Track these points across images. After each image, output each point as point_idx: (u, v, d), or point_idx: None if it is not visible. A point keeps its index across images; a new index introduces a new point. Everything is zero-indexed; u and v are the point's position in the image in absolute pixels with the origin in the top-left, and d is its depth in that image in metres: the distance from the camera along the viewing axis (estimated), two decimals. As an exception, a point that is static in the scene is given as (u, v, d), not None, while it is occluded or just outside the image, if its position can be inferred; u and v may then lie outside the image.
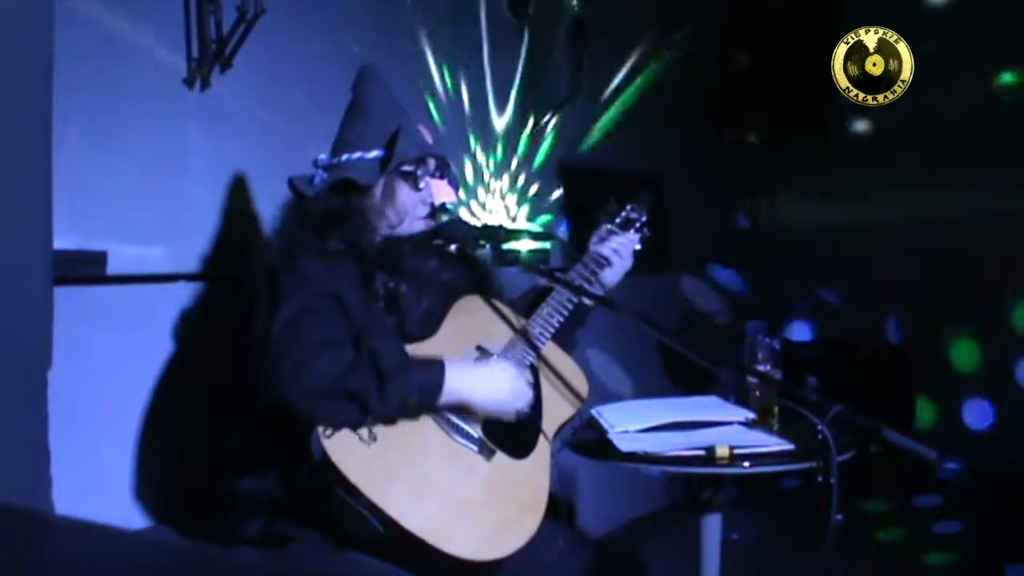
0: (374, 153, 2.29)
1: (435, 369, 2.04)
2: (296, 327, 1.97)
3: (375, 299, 2.15)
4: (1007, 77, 5.12)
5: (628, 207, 2.54)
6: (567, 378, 2.32)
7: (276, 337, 1.96)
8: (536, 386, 2.26)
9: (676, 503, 4.46)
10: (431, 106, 3.73)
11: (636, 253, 2.50)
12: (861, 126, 5.43)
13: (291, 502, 2.05)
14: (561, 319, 2.32)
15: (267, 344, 1.97)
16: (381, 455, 1.96)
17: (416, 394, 2.00)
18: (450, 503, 1.99)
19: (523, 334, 2.29)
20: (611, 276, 2.46)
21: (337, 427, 1.94)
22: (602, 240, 2.48)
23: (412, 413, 2.02)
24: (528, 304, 2.42)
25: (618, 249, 2.45)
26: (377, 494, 1.90)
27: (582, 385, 2.33)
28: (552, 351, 2.33)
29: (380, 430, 1.97)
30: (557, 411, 2.27)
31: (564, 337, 2.37)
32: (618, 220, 2.52)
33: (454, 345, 2.20)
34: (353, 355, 1.96)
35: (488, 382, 2.11)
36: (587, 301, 2.40)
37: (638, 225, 2.52)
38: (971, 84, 5.05)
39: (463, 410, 2.09)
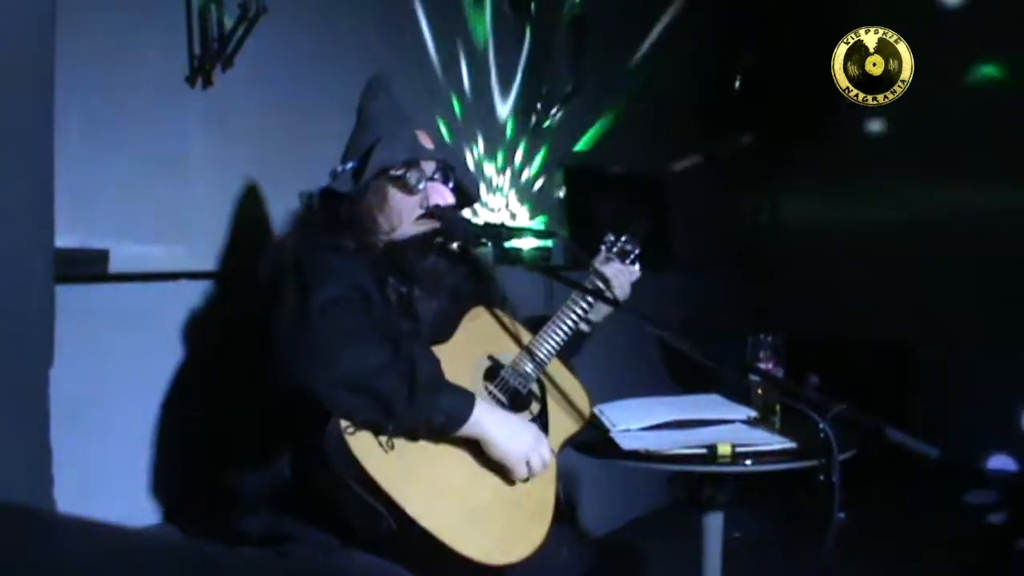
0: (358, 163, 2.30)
1: (466, 398, 2.02)
2: (330, 315, 1.94)
3: (388, 302, 2.15)
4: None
5: (623, 238, 2.54)
6: (570, 395, 2.33)
7: (309, 322, 1.93)
8: (543, 401, 2.28)
9: (678, 501, 4.45)
10: (433, 105, 3.73)
11: (634, 285, 2.50)
12: (863, 125, 5.42)
13: (298, 498, 2.05)
14: (566, 335, 2.33)
15: (299, 331, 1.93)
16: (398, 453, 1.96)
17: (442, 416, 1.98)
18: (464, 506, 2.00)
19: (530, 349, 2.30)
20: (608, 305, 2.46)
21: (356, 423, 1.93)
22: (600, 266, 2.47)
23: (432, 433, 2.00)
24: (532, 327, 2.41)
25: (616, 274, 2.45)
26: (397, 491, 1.91)
27: (584, 403, 2.35)
28: (557, 368, 2.34)
29: (398, 439, 1.97)
30: (562, 426, 2.28)
31: (564, 356, 2.38)
32: (615, 250, 2.52)
33: (468, 351, 2.22)
34: (387, 355, 1.94)
35: (511, 429, 2.08)
36: (585, 327, 2.43)
37: (632, 257, 2.52)
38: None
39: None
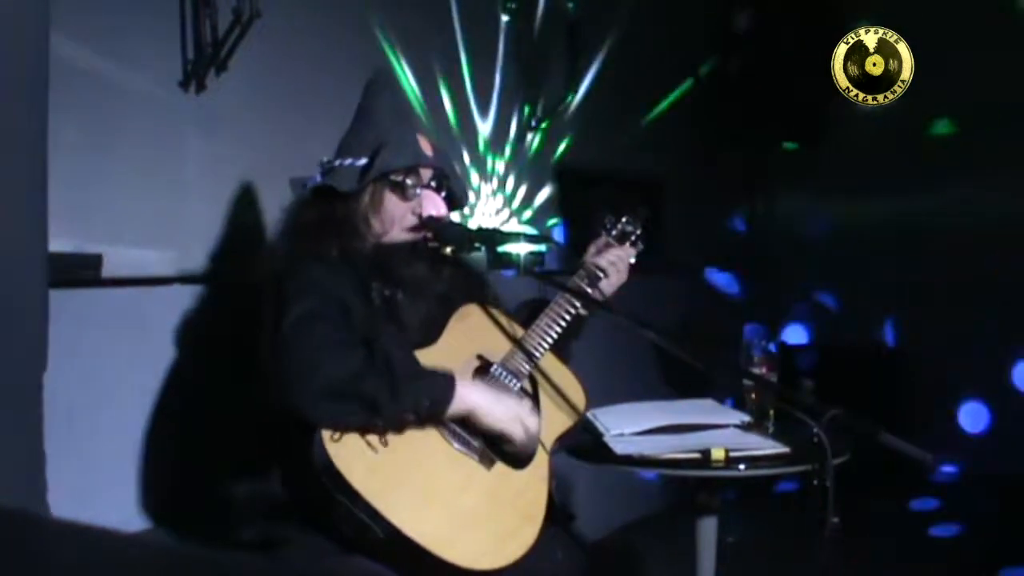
0: (361, 161, 2.29)
1: (446, 378, 2.04)
2: (303, 329, 1.96)
3: (372, 307, 2.15)
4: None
5: (624, 219, 2.53)
6: (564, 390, 2.31)
7: (283, 340, 1.96)
8: (535, 397, 2.27)
9: (672, 506, 4.46)
10: (425, 108, 3.73)
11: (632, 266, 2.49)
12: (859, 128, 5.42)
13: (290, 506, 2.05)
14: (559, 330, 2.31)
15: (275, 348, 1.96)
16: (384, 462, 1.95)
17: (427, 401, 1.99)
18: (451, 511, 1.99)
19: (521, 344, 2.28)
20: (607, 288, 2.45)
21: (345, 429, 1.93)
22: (599, 252, 2.47)
23: (421, 420, 2.01)
24: (525, 316, 2.41)
25: (615, 262, 2.43)
26: (380, 501, 1.90)
27: (579, 397, 2.33)
28: (550, 362, 2.32)
29: (389, 437, 1.97)
30: (555, 422, 2.27)
31: (559, 348, 2.36)
32: (614, 232, 2.50)
33: (455, 353, 2.20)
34: (363, 358, 1.96)
35: (495, 395, 2.11)
36: (583, 311, 2.39)
37: (633, 238, 2.51)
38: (970, 86, 5.06)
39: (465, 421, 2.07)
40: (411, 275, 2.23)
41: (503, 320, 2.33)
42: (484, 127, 4.07)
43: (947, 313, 5.13)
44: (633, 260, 2.48)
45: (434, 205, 2.30)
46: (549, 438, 2.23)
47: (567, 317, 2.33)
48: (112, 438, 2.55)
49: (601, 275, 2.42)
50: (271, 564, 1.92)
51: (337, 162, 2.32)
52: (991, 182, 5.08)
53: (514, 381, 2.24)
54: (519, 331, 2.33)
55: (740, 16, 5.26)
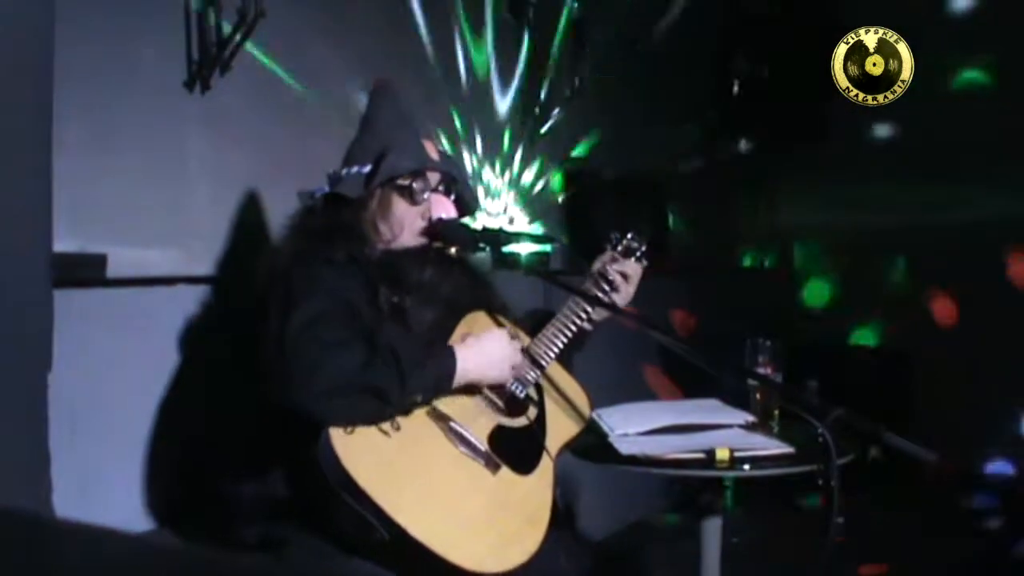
0: (367, 168, 2.29)
1: (448, 358, 2.08)
2: (311, 329, 1.97)
3: (380, 314, 2.15)
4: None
5: (629, 235, 2.52)
6: (570, 398, 2.33)
7: (291, 340, 1.96)
8: (540, 404, 2.28)
9: (676, 506, 4.46)
10: (431, 108, 3.73)
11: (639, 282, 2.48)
12: (861, 129, 5.41)
13: (294, 506, 2.05)
14: (565, 339, 2.32)
15: (281, 347, 1.97)
16: (390, 463, 1.96)
17: (433, 384, 2.04)
18: (456, 514, 1.99)
19: (528, 353, 2.29)
20: (616, 303, 2.44)
21: (357, 423, 1.94)
22: (606, 264, 2.46)
23: (429, 399, 2.06)
24: (530, 326, 2.41)
25: (630, 276, 2.43)
26: (386, 501, 1.91)
27: (584, 406, 2.35)
28: (556, 371, 2.34)
29: (399, 423, 2.00)
30: (560, 430, 2.28)
31: (562, 358, 2.37)
32: (619, 248, 2.50)
33: None
34: (367, 352, 1.98)
35: (488, 357, 2.15)
36: (587, 325, 2.40)
37: (638, 255, 2.51)
38: (974, 87, 5.05)
39: (469, 402, 2.11)
40: (418, 281, 2.23)
41: (510, 328, 2.33)
42: (486, 127, 4.06)
43: (950, 312, 5.12)
44: (638, 276, 2.48)
45: (443, 208, 2.31)
46: (554, 446, 2.24)
47: (573, 327, 2.34)
48: (116, 438, 2.55)
49: (608, 288, 2.41)
50: (274, 566, 1.92)
51: (344, 171, 2.33)
52: (993, 181, 5.07)
53: (520, 388, 2.25)
54: (525, 339, 2.34)
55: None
